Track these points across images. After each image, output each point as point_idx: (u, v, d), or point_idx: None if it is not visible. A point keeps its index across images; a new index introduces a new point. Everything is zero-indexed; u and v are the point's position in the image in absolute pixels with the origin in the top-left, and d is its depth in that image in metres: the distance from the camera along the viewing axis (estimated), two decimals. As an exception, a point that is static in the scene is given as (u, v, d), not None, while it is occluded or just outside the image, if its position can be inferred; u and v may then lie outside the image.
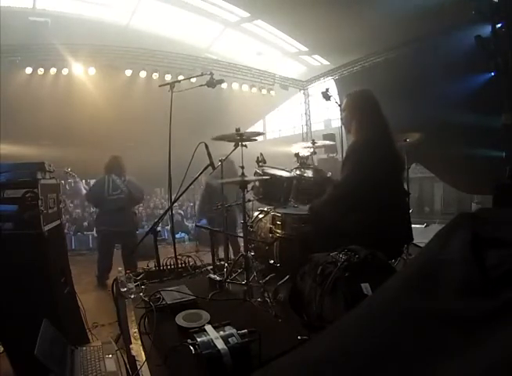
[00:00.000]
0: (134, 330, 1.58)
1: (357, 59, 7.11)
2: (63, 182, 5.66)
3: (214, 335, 1.21)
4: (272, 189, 2.57)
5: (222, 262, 2.67)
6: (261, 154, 2.71)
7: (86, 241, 7.17)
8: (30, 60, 6.27)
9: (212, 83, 2.97)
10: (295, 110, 9.79)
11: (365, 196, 1.93)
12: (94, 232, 5.79)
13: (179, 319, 1.55)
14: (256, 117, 11.15)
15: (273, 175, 2.57)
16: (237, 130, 2.12)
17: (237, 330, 1.24)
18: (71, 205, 8.35)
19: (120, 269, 2.28)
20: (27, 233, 1.81)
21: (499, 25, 4.63)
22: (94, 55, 6.50)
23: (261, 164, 2.70)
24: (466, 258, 0.49)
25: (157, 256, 2.47)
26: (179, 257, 2.75)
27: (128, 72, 6.93)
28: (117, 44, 6.67)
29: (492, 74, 4.87)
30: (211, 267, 2.54)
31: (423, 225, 5.66)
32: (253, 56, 8.58)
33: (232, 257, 2.87)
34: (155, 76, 6.96)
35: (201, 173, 2.35)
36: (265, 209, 2.78)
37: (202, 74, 3.29)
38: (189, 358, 1.16)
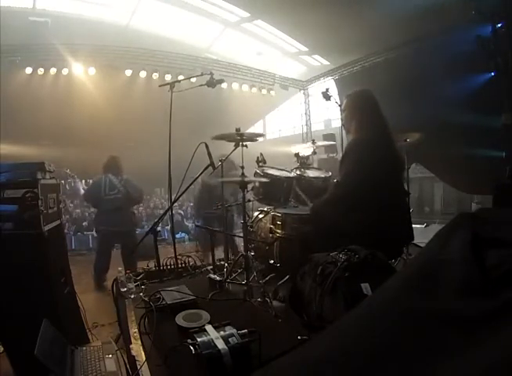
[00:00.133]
0: (134, 330, 1.58)
1: (357, 59, 7.11)
2: (63, 182, 5.66)
3: (214, 335, 1.21)
4: (272, 190, 2.57)
5: (222, 262, 2.67)
6: (261, 154, 2.70)
7: (86, 241, 7.17)
8: (30, 60, 6.27)
9: (212, 83, 2.97)
10: (295, 110, 9.79)
11: (366, 196, 1.93)
12: (94, 232, 5.78)
13: (179, 319, 1.55)
14: (256, 117, 11.15)
15: (273, 176, 2.57)
16: (237, 130, 2.12)
17: (237, 330, 1.24)
18: (71, 205, 8.35)
19: (120, 269, 2.28)
20: (27, 233, 1.81)
21: (499, 25, 4.63)
22: (94, 55, 6.51)
23: (261, 164, 2.70)
24: (466, 258, 0.49)
25: (157, 256, 2.47)
26: (179, 257, 2.75)
27: (128, 72, 6.94)
28: (117, 44, 6.68)
29: (492, 74, 4.88)
30: (211, 267, 2.54)
31: (423, 225, 5.66)
32: (253, 56, 8.58)
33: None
34: (155, 76, 6.96)
35: (201, 173, 2.35)
36: (265, 209, 2.78)
37: (202, 74, 3.29)
38: (189, 358, 1.16)
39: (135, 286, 2.06)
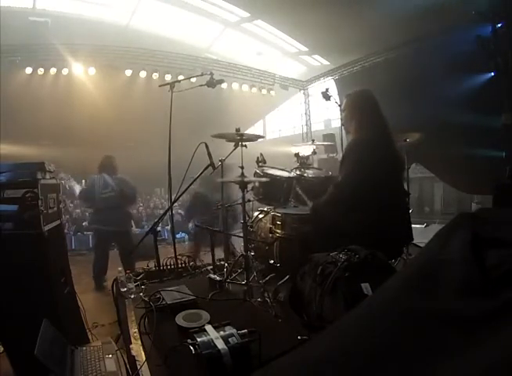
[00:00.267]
0: (134, 330, 1.58)
1: (357, 59, 7.11)
2: (63, 182, 5.66)
3: (214, 335, 1.21)
4: (272, 190, 2.57)
5: (222, 262, 2.67)
6: (261, 154, 2.71)
7: (86, 241, 7.16)
8: (30, 60, 6.28)
9: (212, 83, 2.97)
10: (295, 110, 9.79)
11: (366, 196, 1.93)
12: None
13: (179, 319, 1.55)
14: (256, 117, 11.15)
15: (273, 176, 2.57)
16: (237, 130, 2.12)
17: (237, 330, 1.24)
18: (71, 205, 8.34)
19: (120, 269, 2.28)
20: (27, 233, 1.81)
21: (499, 25, 4.63)
22: (94, 55, 6.51)
23: (261, 164, 2.70)
24: (466, 258, 0.49)
25: (157, 256, 2.47)
26: (179, 257, 2.75)
27: (128, 72, 6.94)
28: (117, 44, 6.68)
29: (492, 74, 4.88)
30: (211, 267, 2.54)
31: (423, 225, 5.66)
32: (253, 56, 8.58)
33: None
34: (155, 76, 6.97)
35: (201, 173, 2.35)
36: (265, 209, 2.78)
37: (202, 74, 3.29)
38: (189, 358, 1.16)
39: (135, 286, 2.06)
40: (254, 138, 2.24)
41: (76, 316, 2.21)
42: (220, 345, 1.16)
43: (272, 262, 2.47)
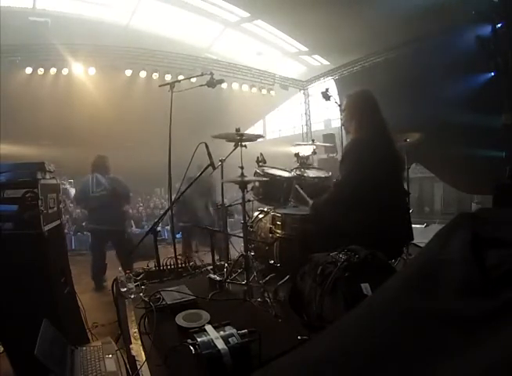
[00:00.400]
0: (134, 330, 1.58)
1: (357, 59, 7.11)
2: (63, 182, 5.66)
3: (214, 335, 1.21)
4: (272, 190, 2.57)
5: (222, 262, 2.67)
6: (261, 154, 2.71)
7: (86, 241, 7.14)
8: (30, 60, 6.28)
9: (212, 83, 2.97)
10: (295, 110, 9.79)
11: (366, 196, 1.93)
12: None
13: (179, 319, 1.55)
14: (256, 117, 11.16)
15: (273, 175, 2.57)
16: (237, 130, 2.12)
17: (237, 330, 1.24)
18: (71, 205, 8.35)
19: (120, 269, 2.28)
20: (27, 233, 1.81)
21: (499, 25, 4.63)
22: (94, 55, 6.51)
23: (261, 164, 2.70)
24: (466, 258, 0.49)
25: (157, 256, 2.47)
26: (179, 257, 2.75)
27: (128, 72, 6.94)
28: (117, 44, 6.68)
29: (492, 74, 4.88)
30: (211, 267, 2.54)
31: (423, 225, 5.66)
32: (253, 56, 8.58)
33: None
34: (155, 76, 6.97)
35: (201, 173, 2.35)
36: (265, 209, 2.78)
37: (202, 74, 3.29)
38: (189, 358, 1.16)
39: (135, 286, 2.06)
40: (253, 138, 2.24)
41: (76, 316, 2.21)
42: (220, 345, 1.16)
43: (272, 262, 2.47)
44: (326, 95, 3.99)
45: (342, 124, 2.55)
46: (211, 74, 3.03)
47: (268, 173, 2.59)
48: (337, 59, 7.58)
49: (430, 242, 0.58)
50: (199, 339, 1.18)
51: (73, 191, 4.08)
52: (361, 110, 2.13)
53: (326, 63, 8.35)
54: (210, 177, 2.43)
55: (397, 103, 4.25)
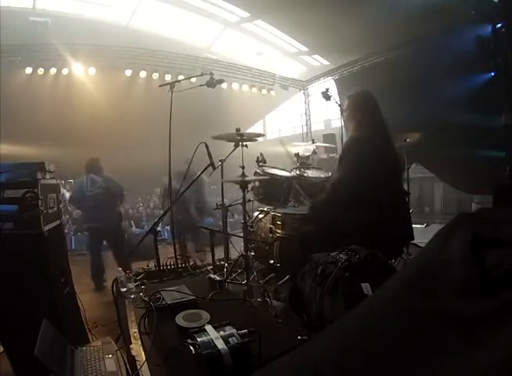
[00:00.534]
0: (134, 330, 1.58)
1: (357, 59, 7.11)
2: (63, 182, 5.67)
3: (214, 335, 1.21)
4: (272, 189, 2.57)
5: (222, 262, 2.67)
6: (261, 154, 2.71)
7: (86, 241, 7.16)
8: (30, 60, 6.28)
9: (212, 83, 2.97)
10: (295, 110, 9.79)
11: (365, 196, 1.94)
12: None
13: (179, 319, 1.55)
14: (256, 117, 11.16)
15: (273, 175, 2.57)
16: (237, 130, 2.12)
17: (237, 330, 1.24)
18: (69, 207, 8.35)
19: (120, 269, 2.28)
20: (27, 233, 1.81)
21: (499, 25, 4.63)
22: (94, 55, 6.51)
23: (261, 164, 2.70)
24: (466, 258, 0.49)
25: (157, 256, 2.48)
26: (179, 257, 2.75)
27: (128, 72, 6.94)
28: (117, 44, 6.68)
29: (492, 74, 4.88)
30: (211, 267, 2.54)
31: (423, 225, 5.66)
32: (253, 56, 8.58)
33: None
34: (155, 76, 6.97)
35: (201, 173, 2.35)
36: (265, 209, 2.78)
37: (202, 74, 3.29)
38: (189, 358, 1.16)
39: (135, 286, 2.06)
40: (254, 137, 2.23)
41: (76, 316, 2.21)
42: (220, 345, 1.16)
43: (272, 262, 2.47)
44: (326, 95, 3.99)
45: (344, 125, 2.55)
46: (211, 74, 3.03)
47: (268, 173, 2.59)
48: (337, 59, 7.58)
49: (430, 242, 0.58)
50: (199, 339, 1.18)
51: (68, 195, 4.11)
52: (361, 110, 2.13)
53: (326, 63, 8.35)
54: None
55: (397, 103, 4.25)
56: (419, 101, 5.37)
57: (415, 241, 2.80)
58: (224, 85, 7.05)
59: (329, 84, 7.86)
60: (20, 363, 1.75)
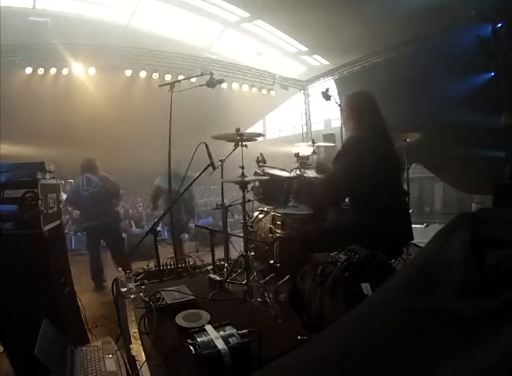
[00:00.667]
0: (134, 330, 1.58)
1: (357, 59, 7.11)
2: (63, 182, 5.67)
3: (214, 335, 1.21)
4: (272, 189, 2.57)
5: (222, 262, 2.67)
6: (261, 154, 2.71)
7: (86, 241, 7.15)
8: (30, 60, 6.28)
9: (212, 83, 2.97)
10: (295, 110, 9.80)
11: (365, 196, 1.94)
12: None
13: (179, 319, 1.55)
14: (256, 117, 11.17)
15: (273, 175, 2.57)
16: (237, 130, 2.12)
17: (237, 330, 1.24)
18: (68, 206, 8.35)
19: (120, 269, 2.28)
20: (27, 233, 1.81)
21: (499, 25, 4.63)
22: (94, 55, 6.51)
23: (261, 164, 2.70)
24: (466, 258, 0.49)
25: (157, 256, 2.48)
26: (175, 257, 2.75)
27: (128, 72, 6.94)
28: (117, 44, 6.69)
29: (492, 74, 4.88)
30: (211, 267, 2.54)
31: (423, 225, 5.66)
32: (253, 56, 8.59)
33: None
34: (155, 76, 6.97)
35: (201, 173, 2.35)
36: (265, 209, 2.78)
37: (202, 74, 3.29)
38: (189, 358, 1.16)
39: (135, 286, 2.06)
40: (253, 137, 2.23)
41: (76, 316, 2.21)
42: (220, 345, 1.16)
43: (272, 262, 2.47)
44: (326, 95, 3.99)
45: (343, 125, 2.55)
46: (211, 74, 3.03)
47: (268, 173, 2.59)
48: (337, 59, 7.58)
49: (430, 242, 0.58)
50: (199, 339, 1.18)
51: (64, 196, 4.12)
52: (359, 110, 2.12)
53: (326, 63, 8.35)
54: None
55: (397, 103, 4.25)
56: (419, 101, 5.37)
57: (415, 241, 2.79)
58: (224, 85, 7.06)
59: (329, 84, 7.87)
60: (20, 363, 1.75)
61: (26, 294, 1.78)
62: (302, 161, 2.91)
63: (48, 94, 6.67)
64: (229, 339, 1.19)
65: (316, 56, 8.47)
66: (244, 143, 2.16)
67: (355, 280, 1.46)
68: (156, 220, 2.42)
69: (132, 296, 1.95)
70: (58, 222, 2.17)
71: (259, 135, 2.35)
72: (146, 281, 2.29)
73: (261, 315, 1.80)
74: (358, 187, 1.95)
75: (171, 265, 2.69)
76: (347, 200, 2.28)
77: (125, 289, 1.98)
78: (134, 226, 7.54)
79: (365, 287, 1.42)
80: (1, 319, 1.74)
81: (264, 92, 8.29)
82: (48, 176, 2.06)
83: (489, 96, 4.70)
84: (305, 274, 1.71)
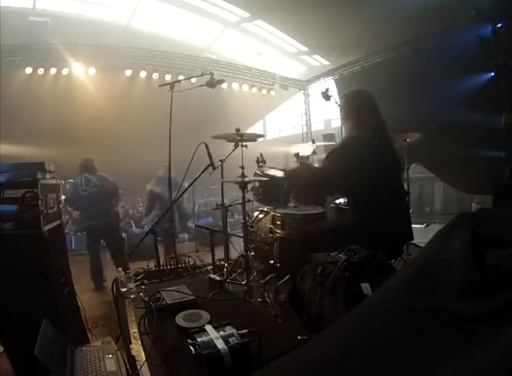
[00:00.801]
0: (134, 330, 1.58)
1: (357, 59, 7.11)
2: (63, 182, 5.67)
3: (214, 335, 1.21)
4: (272, 190, 2.57)
5: (222, 262, 2.67)
6: (261, 154, 2.71)
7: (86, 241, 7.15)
8: (30, 60, 6.28)
9: (212, 83, 2.97)
10: (295, 110, 9.80)
11: (365, 196, 1.93)
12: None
13: (179, 319, 1.55)
14: (256, 117, 11.16)
15: (273, 176, 2.57)
16: (237, 130, 2.12)
17: (237, 330, 1.24)
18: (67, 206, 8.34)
19: (120, 269, 2.28)
20: (27, 233, 1.81)
21: (499, 25, 4.63)
22: (94, 55, 6.51)
23: (260, 164, 2.70)
24: (466, 258, 0.49)
25: (157, 256, 2.48)
26: (179, 257, 2.75)
27: (128, 72, 6.94)
28: (117, 44, 6.68)
29: (492, 74, 4.88)
30: (211, 267, 2.54)
31: (423, 225, 5.66)
32: (253, 56, 8.59)
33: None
34: (155, 76, 6.97)
35: (201, 173, 2.35)
36: (265, 209, 2.78)
37: (202, 74, 3.29)
38: (189, 358, 1.16)
39: (135, 286, 2.06)
40: (254, 137, 2.24)
41: (76, 316, 2.21)
42: (220, 345, 1.16)
43: (272, 262, 2.47)
44: (326, 95, 4.00)
45: (342, 124, 2.55)
46: (211, 74, 3.03)
47: (268, 173, 2.59)
48: (337, 59, 7.58)
49: (430, 242, 0.58)
50: (199, 339, 1.18)
51: (63, 197, 4.14)
52: (357, 110, 2.11)
53: (326, 63, 8.35)
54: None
55: (397, 103, 4.26)
56: (419, 101, 5.37)
57: (415, 241, 2.79)
58: (224, 85, 7.05)
59: (329, 84, 7.87)
60: (20, 363, 1.75)
61: (26, 294, 1.78)
62: (302, 161, 2.91)
63: (48, 94, 6.67)
64: (229, 339, 1.19)
65: (316, 56, 8.47)
66: (244, 143, 2.16)
67: (355, 280, 1.46)
68: (156, 220, 2.42)
69: (132, 296, 1.95)
70: (58, 222, 2.17)
71: (259, 135, 2.35)
72: (146, 281, 2.29)
73: (261, 315, 1.80)
74: (357, 187, 1.95)
75: (171, 265, 2.69)
76: (346, 200, 2.28)
77: (125, 289, 1.98)
78: (134, 226, 7.53)
79: (365, 287, 1.42)
80: (1, 319, 1.74)
81: (264, 92, 8.29)
82: (48, 176, 2.06)
83: (489, 96, 4.70)
84: (305, 274, 1.71)
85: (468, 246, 0.50)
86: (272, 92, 8.42)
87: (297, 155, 2.93)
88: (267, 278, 2.32)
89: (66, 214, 7.59)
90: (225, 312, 1.73)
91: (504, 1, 4.59)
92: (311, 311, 1.59)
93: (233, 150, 2.23)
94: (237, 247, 2.82)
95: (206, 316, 1.57)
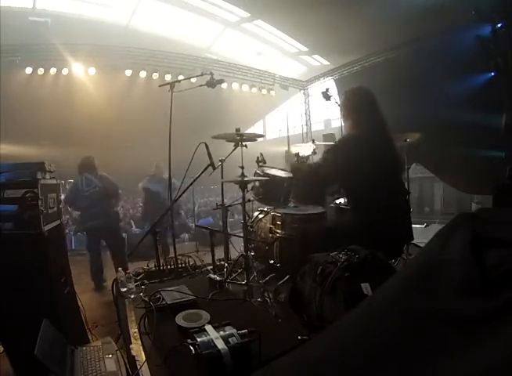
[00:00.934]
0: (134, 330, 1.58)
1: (357, 59, 7.11)
2: (63, 182, 5.67)
3: (214, 335, 1.21)
4: (272, 189, 2.57)
5: (222, 262, 2.67)
6: (261, 154, 2.70)
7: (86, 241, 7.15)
8: (30, 60, 6.28)
9: (212, 83, 2.97)
10: (295, 110, 9.79)
11: (364, 196, 1.93)
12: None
13: (179, 319, 1.55)
14: (256, 117, 11.16)
15: (273, 176, 2.57)
16: (237, 130, 2.12)
17: (237, 330, 1.24)
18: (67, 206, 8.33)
19: (120, 269, 2.28)
20: (27, 233, 1.81)
21: (499, 25, 4.63)
22: (94, 55, 6.51)
23: (261, 164, 2.70)
24: (466, 258, 0.49)
25: (157, 256, 2.48)
26: (179, 257, 2.75)
27: (128, 72, 6.93)
28: (117, 44, 6.68)
29: (492, 74, 4.88)
30: (211, 267, 2.54)
31: (423, 225, 5.66)
32: (253, 56, 8.58)
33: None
34: (155, 76, 6.97)
35: (201, 173, 2.35)
36: (265, 209, 2.78)
37: (202, 74, 3.30)
38: (189, 358, 1.16)
39: (135, 286, 2.06)
40: (253, 137, 2.24)
41: (76, 316, 2.22)
42: (220, 345, 1.16)
43: (272, 262, 2.47)
44: (326, 95, 4.00)
45: (343, 123, 2.56)
46: (211, 74, 3.03)
47: (268, 173, 2.59)
48: (337, 59, 7.58)
49: (430, 242, 0.58)
50: (199, 339, 1.18)
51: (62, 197, 4.15)
52: (357, 108, 2.11)
53: (326, 63, 8.35)
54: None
55: (397, 103, 4.25)
56: (419, 101, 5.37)
57: (415, 241, 2.80)
58: (224, 85, 7.05)
59: (329, 84, 7.86)
60: (20, 363, 1.75)
61: (26, 294, 1.78)
62: (302, 161, 2.91)
63: (48, 94, 6.67)
64: (229, 339, 1.19)
65: (316, 56, 8.46)
66: (244, 143, 2.16)
67: (355, 280, 1.46)
68: (156, 220, 2.42)
69: (132, 296, 1.95)
70: (58, 222, 2.17)
71: (259, 135, 2.35)
72: (146, 281, 2.29)
73: (261, 315, 1.80)
74: (357, 187, 1.95)
75: (171, 265, 2.69)
76: (346, 200, 2.28)
77: (125, 289, 1.98)
78: (134, 226, 7.53)
79: (365, 287, 1.42)
80: (1, 319, 1.74)
81: (264, 92, 8.29)
82: (48, 176, 2.06)
83: (489, 96, 4.70)
84: (305, 274, 1.71)
85: (468, 246, 0.50)
86: (272, 92, 8.42)
87: (297, 155, 2.93)
88: (267, 278, 2.32)
89: (66, 214, 7.59)
90: (225, 312, 1.72)
91: (504, 1, 4.59)
92: (311, 311, 1.59)
93: (233, 149, 2.23)
94: (237, 247, 2.82)
95: (206, 316, 1.57)
